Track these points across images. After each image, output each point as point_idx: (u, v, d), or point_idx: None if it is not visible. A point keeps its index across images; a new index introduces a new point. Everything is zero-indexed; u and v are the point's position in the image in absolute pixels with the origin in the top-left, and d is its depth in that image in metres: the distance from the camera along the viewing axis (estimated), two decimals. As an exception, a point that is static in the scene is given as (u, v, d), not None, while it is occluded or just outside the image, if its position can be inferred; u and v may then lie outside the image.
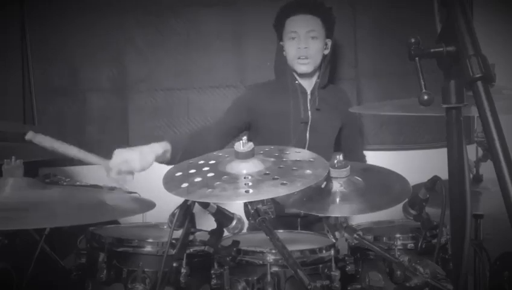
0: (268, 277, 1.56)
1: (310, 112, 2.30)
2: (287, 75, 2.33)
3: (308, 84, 2.34)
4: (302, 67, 2.28)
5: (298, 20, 2.29)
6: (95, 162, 1.71)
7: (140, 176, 2.68)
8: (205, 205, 1.53)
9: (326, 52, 2.35)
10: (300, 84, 2.32)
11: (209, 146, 1.87)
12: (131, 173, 1.74)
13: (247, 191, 1.36)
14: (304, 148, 2.25)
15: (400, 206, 1.75)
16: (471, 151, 2.08)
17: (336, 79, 2.74)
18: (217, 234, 1.61)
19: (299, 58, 2.27)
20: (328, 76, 2.41)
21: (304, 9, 2.29)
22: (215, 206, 1.56)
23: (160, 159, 1.85)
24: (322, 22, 2.30)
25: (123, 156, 1.73)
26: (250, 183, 1.39)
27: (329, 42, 2.36)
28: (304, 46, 2.26)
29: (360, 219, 2.01)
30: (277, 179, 1.40)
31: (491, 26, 2.57)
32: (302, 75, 2.32)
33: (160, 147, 1.84)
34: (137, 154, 1.75)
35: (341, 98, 2.47)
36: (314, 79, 2.35)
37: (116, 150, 1.74)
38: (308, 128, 2.29)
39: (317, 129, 2.30)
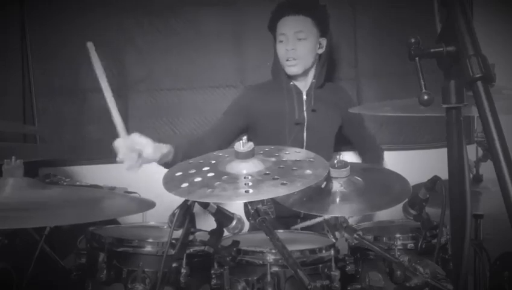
0: (268, 277, 1.56)
1: (305, 113, 2.30)
2: (282, 76, 2.33)
3: (303, 85, 2.34)
4: (291, 68, 2.27)
5: (287, 21, 2.28)
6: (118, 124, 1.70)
7: (141, 176, 2.68)
8: (205, 205, 1.53)
9: (321, 51, 2.33)
10: (295, 85, 2.32)
11: (209, 150, 1.88)
12: (139, 157, 1.74)
13: (247, 191, 1.36)
14: (301, 148, 2.25)
15: (400, 206, 1.75)
16: (471, 151, 2.08)
17: (336, 79, 2.74)
18: (217, 234, 1.61)
19: (287, 60, 2.26)
20: (326, 75, 2.40)
21: (293, 10, 2.27)
22: (215, 206, 1.56)
23: (163, 159, 1.86)
24: (313, 22, 2.28)
25: (141, 139, 1.74)
26: (250, 183, 1.39)
27: (323, 41, 2.33)
28: (291, 48, 2.24)
29: (360, 219, 2.01)
30: (277, 179, 1.40)
31: (491, 26, 2.57)
32: (295, 76, 2.32)
33: (165, 147, 1.86)
34: (151, 144, 1.76)
35: (341, 96, 2.46)
36: (310, 79, 2.34)
37: (135, 133, 1.75)
38: (305, 128, 2.30)
39: (314, 129, 2.30)
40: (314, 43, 2.29)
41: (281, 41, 2.28)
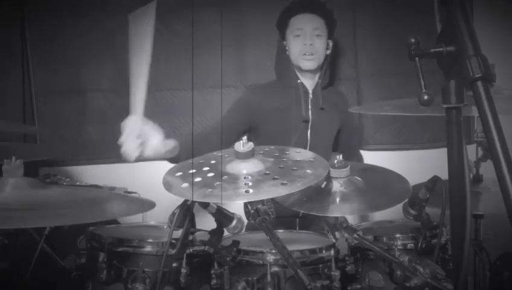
0: (268, 277, 1.56)
1: (310, 112, 2.31)
2: (289, 74, 2.34)
3: (310, 84, 2.35)
4: (307, 63, 2.29)
5: (304, 18, 2.32)
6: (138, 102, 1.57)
7: (140, 176, 2.69)
8: (205, 205, 1.53)
9: (328, 52, 2.38)
10: (302, 84, 2.33)
11: (212, 148, 1.87)
12: (141, 146, 1.65)
13: (247, 191, 1.36)
14: (305, 148, 2.26)
15: (400, 206, 1.75)
16: (471, 151, 2.07)
17: (336, 79, 2.74)
18: (217, 234, 1.61)
19: (304, 54, 2.29)
20: (329, 77, 2.42)
21: (309, 9, 2.32)
22: (215, 206, 1.56)
23: (169, 154, 1.85)
24: (325, 22, 2.33)
25: (151, 129, 1.66)
26: (250, 183, 1.39)
27: (330, 43, 2.38)
28: (310, 43, 2.28)
29: (360, 219, 2.01)
30: (277, 179, 1.40)
31: (491, 26, 2.57)
32: (305, 74, 2.33)
33: (171, 142, 1.85)
34: (159, 137, 1.70)
35: (340, 100, 2.48)
36: (316, 79, 2.36)
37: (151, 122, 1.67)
38: (309, 127, 2.30)
39: (318, 129, 2.31)
40: (326, 42, 2.35)
41: (297, 36, 2.31)
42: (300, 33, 2.30)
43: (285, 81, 2.35)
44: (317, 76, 2.36)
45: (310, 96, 2.33)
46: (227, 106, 2.40)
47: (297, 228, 2.20)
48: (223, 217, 1.59)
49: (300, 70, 2.33)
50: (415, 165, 2.63)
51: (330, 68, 2.44)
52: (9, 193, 1.40)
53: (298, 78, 2.34)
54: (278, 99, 2.31)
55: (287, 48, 2.35)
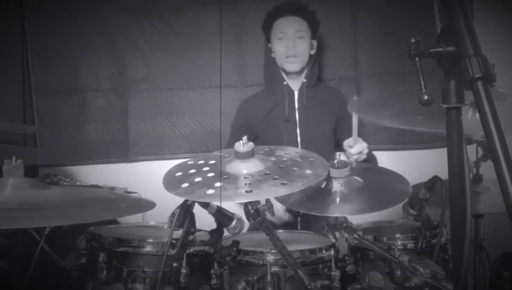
0: (268, 277, 1.56)
1: (297, 111, 2.34)
2: (275, 77, 2.40)
3: (296, 84, 2.40)
4: (291, 66, 2.35)
5: (286, 21, 2.38)
6: None
7: (140, 176, 2.69)
8: (205, 205, 1.53)
9: (313, 52, 2.43)
10: (287, 85, 2.39)
11: None
12: None
13: (247, 191, 1.36)
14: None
15: (399, 206, 1.74)
16: (471, 151, 2.08)
17: (336, 79, 2.74)
18: (217, 234, 1.60)
19: (287, 57, 2.34)
20: (318, 75, 2.47)
21: (291, 12, 2.38)
22: (215, 206, 1.56)
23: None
24: (307, 24, 2.38)
25: None
26: (250, 183, 1.39)
27: (314, 43, 2.43)
28: (292, 45, 2.33)
29: (360, 219, 2.00)
30: (277, 179, 1.40)
31: (491, 26, 2.57)
32: (290, 75, 2.39)
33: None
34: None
35: (332, 96, 2.49)
36: (301, 79, 2.41)
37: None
38: (298, 128, 2.33)
39: (307, 128, 2.35)
40: (309, 43, 2.40)
41: (280, 39, 2.36)
42: (283, 36, 2.35)
43: (272, 84, 2.42)
44: (302, 76, 2.41)
45: (296, 96, 2.38)
46: (227, 106, 2.41)
47: (299, 227, 2.20)
48: (223, 217, 1.59)
49: (286, 72, 2.39)
50: (415, 165, 2.63)
51: (319, 66, 2.50)
52: (9, 193, 1.40)
53: (284, 80, 2.39)
54: (268, 106, 2.38)
55: (272, 51, 2.41)
